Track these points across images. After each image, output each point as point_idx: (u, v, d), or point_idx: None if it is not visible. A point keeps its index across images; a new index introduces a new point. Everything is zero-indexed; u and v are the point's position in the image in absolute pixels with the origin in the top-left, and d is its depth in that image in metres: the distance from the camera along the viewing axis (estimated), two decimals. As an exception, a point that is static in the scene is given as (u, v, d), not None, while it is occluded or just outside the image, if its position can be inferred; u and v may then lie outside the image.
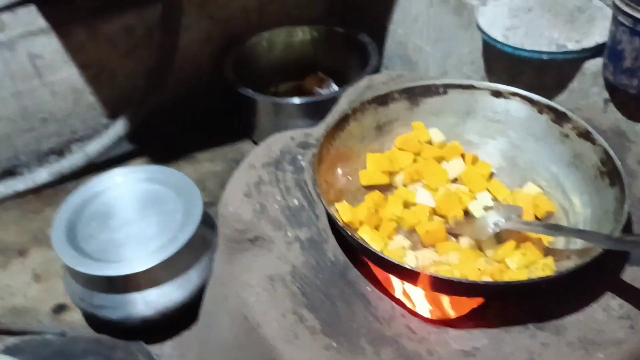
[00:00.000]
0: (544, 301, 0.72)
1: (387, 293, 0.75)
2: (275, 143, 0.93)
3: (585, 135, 0.81)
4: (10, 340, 1.18)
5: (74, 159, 1.52)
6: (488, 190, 0.87)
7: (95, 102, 1.58)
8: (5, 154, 1.55)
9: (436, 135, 0.91)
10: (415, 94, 0.91)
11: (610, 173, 0.76)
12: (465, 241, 0.81)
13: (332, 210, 0.76)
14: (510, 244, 0.78)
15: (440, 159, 0.90)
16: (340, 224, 0.73)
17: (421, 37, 1.50)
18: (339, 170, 0.86)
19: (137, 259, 1.11)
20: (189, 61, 1.61)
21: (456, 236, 0.82)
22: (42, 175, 1.51)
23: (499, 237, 0.80)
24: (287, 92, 1.75)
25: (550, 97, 0.86)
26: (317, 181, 0.78)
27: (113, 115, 1.60)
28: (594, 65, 1.09)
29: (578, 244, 0.75)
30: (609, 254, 0.68)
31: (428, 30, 1.46)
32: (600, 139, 0.79)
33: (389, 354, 0.68)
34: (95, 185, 1.25)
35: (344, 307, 0.73)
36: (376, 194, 0.85)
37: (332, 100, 1.44)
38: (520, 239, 0.78)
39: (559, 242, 0.79)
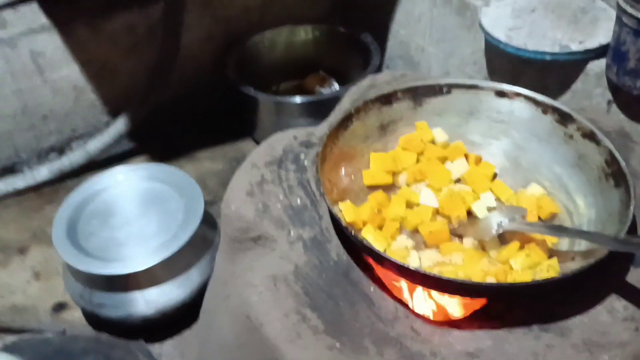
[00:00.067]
0: (548, 302, 0.71)
1: (390, 293, 0.75)
2: (278, 142, 0.93)
3: (590, 136, 0.81)
4: (10, 338, 1.17)
5: (74, 157, 1.52)
6: (491, 191, 0.86)
7: (96, 100, 1.58)
8: (5, 151, 1.54)
9: (440, 135, 0.91)
10: (418, 94, 0.90)
11: (615, 174, 0.76)
12: (468, 242, 0.81)
13: (335, 210, 0.76)
14: (514, 245, 0.77)
15: (443, 159, 0.89)
16: (344, 223, 0.73)
17: (424, 38, 1.49)
18: (342, 170, 0.86)
19: (137, 258, 1.11)
20: (190, 60, 1.61)
21: (459, 237, 0.82)
22: (42, 173, 1.51)
23: (503, 238, 0.80)
24: (288, 91, 1.75)
25: (553, 98, 0.86)
26: (321, 180, 0.77)
27: (114, 113, 1.60)
28: (597, 66, 1.09)
29: (582, 245, 0.75)
30: (614, 255, 0.68)
31: (431, 30, 1.46)
32: (605, 140, 0.78)
33: (392, 355, 0.68)
34: (96, 183, 1.24)
35: (347, 307, 0.72)
36: (379, 194, 0.84)
37: (334, 99, 1.44)
38: (524, 240, 0.78)
39: (563, 243, 0.79)
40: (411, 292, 0.74)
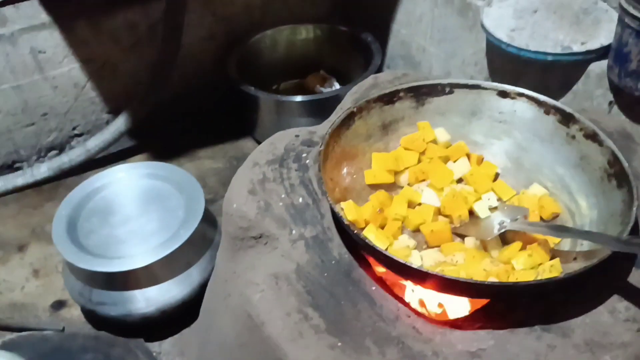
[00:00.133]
0: (550, 303, 0.71)
1: (392, 293, 0.75)
2: (280, 140, 0.93)
3: (592, 137, 0.81)
4: (9, 336, 1.17)
5: (74, 154, 1.51)
6: (493, 191, 0.86)
7: (96, 97, 1.58)
8: (5, 148, 1.54)
9: (442, 135, 0.91)
10: (421, 93, 0.90)
11: (618, 175, 0.76)
12: (470, 242, 0.81)
13: (337, 209, 0.76)
14: (516, 245, 0.77)
15: (445, 159, 0.89)
16: (347, 222, 0.73)
17: (425, 38, 1.49)
18: (344, 169, 0.86)
19: (137, 256, 1.10)
20: (191, 58, 1.61)
21: (461, 236, 0.82)
22: (41, 170, 1.51)
23: (504, 238, 0.80)
24: (289, 90, 1.75)
25: (554, 99, 0.86)
26: (323, 179, 0.77)
27: (114, 111, 1.60)
28: (599, 67, 1.09)
29: (584, 245, 0.75)
30: (616, 256, 0.68)
31: (432, 30, 1.46)
32: (608, 141, 0.78)
33: (394, 354, 0.68)
34: (96, 180, 1.24)
35: (349, 306, 0.72)
36: (381, 193, 0.84)
37: (334, 98, 1.44)
38: (526, 240, 0.78)
39: (565, 244, 0.78)
40: (415, 292, 0.74)
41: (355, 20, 1.71)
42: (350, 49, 1.68)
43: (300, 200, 0.84)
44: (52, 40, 1.44)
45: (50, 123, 1.56)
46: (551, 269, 0.72)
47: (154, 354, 1.15)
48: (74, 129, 1.60)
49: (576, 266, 0.71)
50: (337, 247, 0.79)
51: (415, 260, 0.77)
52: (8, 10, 1.38)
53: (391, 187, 0.88)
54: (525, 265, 0.74)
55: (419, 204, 0.85)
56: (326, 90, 1.69)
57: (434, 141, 0.90)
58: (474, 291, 0.69)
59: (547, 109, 0.86)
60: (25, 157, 1.58)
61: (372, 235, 0.77)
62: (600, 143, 0.79)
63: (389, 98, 0.89)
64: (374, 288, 0.74)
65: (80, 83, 1.53)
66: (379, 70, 1.58)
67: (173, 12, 1.43)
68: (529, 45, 1.11)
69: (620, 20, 0.98)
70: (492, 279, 0.72)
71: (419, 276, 0.68)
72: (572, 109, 0.84)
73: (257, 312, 0.72)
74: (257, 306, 0.73)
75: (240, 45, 1.64)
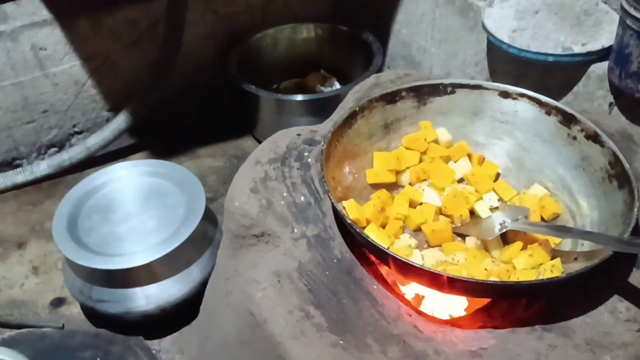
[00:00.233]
0: (551, 303, 0.72)
1: (393, 291, 0.75)
2: (282, 139, 0.93)
3: (594, 138, 0.81)
4: (8, 333, 1.17)
5: (74, 152, 1.51)
6: (494, 191, 0.86)
7: (96, 95, 1.58)
8: (4, 145, 1.53)
9: (443, 134, 0.91)
10: (423, 93, 0.90)
11: (619, 176, 0.76)
12: (471, 241, 0.81)
13: (339, 207, 0.76)
14: (517, 245, 0.78)
15: (447, 159, 0.90)
16: (349, 221, 0.73)
17: (426, 38, 1.49)
18: (346, 168, 0.86)
19: (138, 253, 1.10)
20: (192, 57, 1.60)
21: (462, 236, 0.82)
22: (41, 167, 1.50)
23: (505, 238, 0.81)
24: (289, 89, 1.75)
25: (554, 100, 0.86)
26: (325, 178, 0.77)
27: (115, 108, 1.60)
28: (600, 68, 1.09)
29: (585, 246, 0.75)
30: (616, 256, 0.68)
31: (433, 31, 1.46)
32: (609, 142, 0.79)
33: (395, 353, 0.68)
34: (97, 178, 1.24)
35: (351, 304, 0.72)
36: (383, 193, 0.85)
37: (335, 98, 1.44)
38: (527, 240, 0.78)
39: (566, 244, 0.79)
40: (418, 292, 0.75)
41: (356, 20, 1.72)
42: (350, 49, 1.68)
43: (302, 198, 0.84)
44: (53, 37, 1.44)
45: (50, 120, 1.56)
46: (552, 269, 0.72)
47: (154, 351, 1.15)
48: (74, 126, 1.60)
49: (577, 266, 0.71)
50: (339, 245, 0.79)
51: (417, 259, 0.77)
52: (9, 6, 1.38)
53: (392, 187, 0.88)
54: (527, 265, 0.74)
55: (420, 204, 0.85)
56: (326, 89, 1.69)
57: (436, 141, 0.91)
58: (475, 290, 0.69)
59: (549, 110, 0.86)
60: (25, 154, 1.57)
61: (374, 235, 0.77)
62: (602, 144, 0.80)
63: (391, 97, 0.89)
64: (375, 287, 0.75)
65: (80, 80, 1.53)
66: (380, 70, 1.58)
67: (174, 10, 1.43)
68: (530, 46, 1.11)
69: (622, 22, 0.99)
70: (494, 279, 0.72)
71: (421, 275, 0.68)
72: (573, 110, 0.84)
73: (259, 310, 0.72)
74: (258, 304, 0.73)
75: (241, 44, 1.64)
